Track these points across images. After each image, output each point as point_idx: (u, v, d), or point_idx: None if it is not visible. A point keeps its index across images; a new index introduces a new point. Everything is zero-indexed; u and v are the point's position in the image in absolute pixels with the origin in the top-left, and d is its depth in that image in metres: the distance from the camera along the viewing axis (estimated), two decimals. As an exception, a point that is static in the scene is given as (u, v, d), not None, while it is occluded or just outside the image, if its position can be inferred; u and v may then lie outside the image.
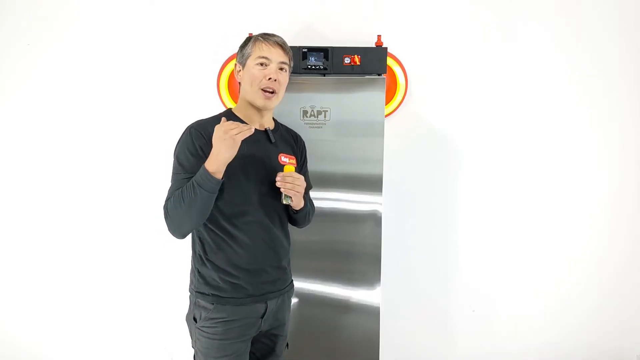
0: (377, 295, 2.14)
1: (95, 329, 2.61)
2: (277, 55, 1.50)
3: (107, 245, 2.56)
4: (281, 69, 1.52)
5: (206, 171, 1.32)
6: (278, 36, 1.55)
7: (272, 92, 1.50)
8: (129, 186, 2.52)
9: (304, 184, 1.51)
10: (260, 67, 1.50)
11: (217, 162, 1.33)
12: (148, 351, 2.62)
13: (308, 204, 1.64)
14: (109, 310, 2.60)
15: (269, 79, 1.48)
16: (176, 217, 1.38)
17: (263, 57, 1.49)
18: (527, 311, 2.61)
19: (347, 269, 2.14)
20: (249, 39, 1.56)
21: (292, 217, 1.63)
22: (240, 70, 1.56)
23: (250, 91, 1.51)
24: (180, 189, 1.37)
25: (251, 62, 1.51)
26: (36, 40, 2.47)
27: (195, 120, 1.53)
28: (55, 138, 2.51)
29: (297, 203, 1.53)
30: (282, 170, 1.53)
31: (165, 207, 1.40)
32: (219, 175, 1.34)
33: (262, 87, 1.49)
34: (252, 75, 1.50)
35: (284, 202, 1.50)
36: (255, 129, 1.55)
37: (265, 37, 1.53)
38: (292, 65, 1.60)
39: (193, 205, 1.34)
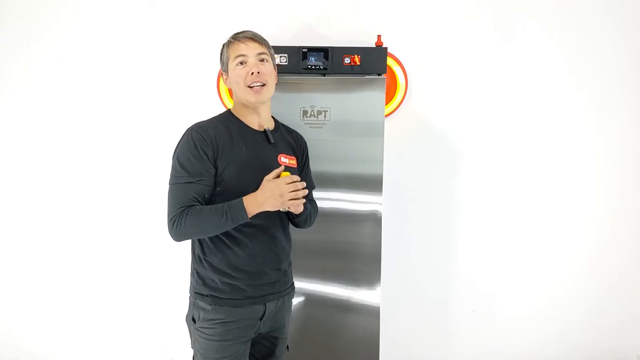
0: (377, 295, 2.14)
1: (96, 329, 2.61)
2: (252, 49, 1.50)
3: (107, 246, 2.56)
4: (262, 60, 1.51)
5: (244, 210, 1.38)
6: (248, 30, 1.55)
7: (260, 85, 1.50)
8: (128, 187, 2.52)
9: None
10: (241, 66, 1.50)
11: (257, 209, 1.39)
12: (148, 352, 2.62)
13: (308, 207, 1.61)
14: (109, 311, 2.60)
15: (252, 73, 1.48)
16: (190, 230, 1.40)
17: (240, 56, 1.50)
18: (527, 311, 2.61)
19: (347, 269, 2.14)
20: (223, 46, 1.57)
21: (293, 220, 1.63)
22: (227, 78, 1.57)
23: (239, 92, 1.52)
24: (204, 207, 1.39)
25: (232, 65, 1.51)
26: (36, 40, 2.47)
27: (195, 122, 1.52)
28: (55, 138, 2.51)
29: (296, 209, 1.49)
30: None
31: (179, 219, 1.38)
32: (250, 216, 1.40)
33: (248, 84, 1.49)
34: (236, 76, 1.50)
35: (282, 209, 1.47)
36: (254, 130, 1.56)
37: (236, 36, 1.53)
38: (272, 53, 1.59)
39: (214, 229, 1.41)
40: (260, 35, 1.55)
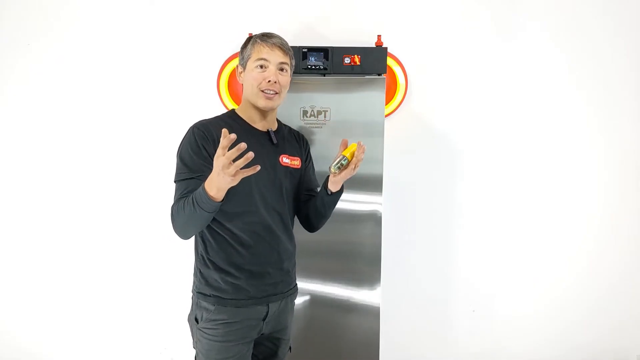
0: (377, 295, 2.14)
1: (96, 329, 2.61)
2: (276, 57, 1.49)
3: (107, 246, 2.56)
4: (281, 69, 1.51)
5: (206, 194, 1.25)
6: (277, 37, 1.53)
7: (273, 93, 1.49)
8: (128, 186, 2.52)
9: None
10: (260, 70, 1.49)
11: (218, 189, 1.24)
12: (148, 351, 2.62)
13: (340, 195, 1.61)
14: (109, 311, 2.60)
15: (269, 81, 1.47)
16: (179, 223, 1.38)
17: (262, 59, 1.48)
18: (527, 310, 2.61)
19: (347, 269, 2.14)
20: (249, 40, 1.55)
21: (317, 210, 1.60)
22: (241, 72, 1.56)
23: (251, 93, 1.51)
24: (184, 199, 1.35)
25: (251, 64, 1.50)
26: (36, 40, 2.47)
27: (198, 120, 1.52)
28: (55, 138, 2.51)
29: (343, 177, 1.49)
30: (284, 172, 1.53)
31: (171, 212, 1.39)
32: (219, 199, 1.27)
33: (262, 89, 1.48)
34: (252, 77, 1.50)
35: (333, 169, 1.47)
36: (257, 130, 1.55)
37: (264, 38, 1.51)
38: (293, 64, 1.58)
39: (193, 219, 1.34)
40: (287, 45, 1.53)
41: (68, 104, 2.50)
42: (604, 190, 2.55)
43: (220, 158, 1.17)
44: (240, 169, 1.19)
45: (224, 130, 1.19)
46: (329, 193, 1.56)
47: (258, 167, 1.22)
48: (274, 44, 1.49)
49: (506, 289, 2.60)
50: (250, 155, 1.17)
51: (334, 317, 2.16)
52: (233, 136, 1.17)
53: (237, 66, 1.59)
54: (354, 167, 1.48)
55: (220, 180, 1.21)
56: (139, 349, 2.62)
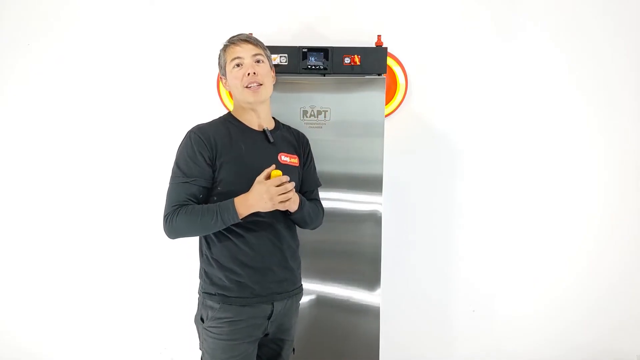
0: (377, 295, 2.14)
1: (96, 329, 2.61)
2: (247, 51, 1.52)
3: (107, 247, 2.56)
4: (257, 61, 1.53)
5: (235, 212, 1.38)
6: (242, 33, 1.57)
7: (257, 85, 1.51)
8: (127, 187, 2.52)
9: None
10: (238, 68, 1.52)
11: (248, 210, 1.40)
12: (148, 351, 2.62)
13: (306, 206, 1.57)
14: (110, 311, 2.60)
15: (248, 74, 1.50)
16: (181, 228, 1.43)
17: (236, 58, 1.52)
18: (527, 311, 2.61)
19: (347, 269, 2.14)
20: (220, 51, 1.58)
21: (291, 219, 1.59)
22: (226, 81, 1.59)
23: (238, 93, 1.54)
24: (196, 207, 1.41)
25: (229, 68, 1.54)
26: (36, 40, 2.47)
27: (195, 125, 1.53)
28: (55, 139, 2.51)
29: (288, 208, 1.46)
30: (284, 170, 1.53)
31: (172, 216, 1.42)
32: (241, 217, 1.40)
33: (245, 85, 1.51)
34: (233, 78, 1.53)
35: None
36: (253, 130, 1.56)
37: (231, 39, 1.56)
38: (268, 54, 1.60)
39: (205, 228, 1.43)
40: (254, 37, 1.57)
41: (68, 105, 2.50)
42: (604, 190, 2.55)
43: (273, 188, 1.36)
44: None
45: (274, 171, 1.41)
46: (289, 214, 1.54)
47: (293, 184, 1.42)
48: (240, 39, 1.54)
49: (506, 289, 2.60)
50: (291, 185, 1.40)
51: (334, 317, 2.16)
52: (285, 178, 1.40)
53: (220, 78, 1.62)
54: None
55: (263, 206, 1.39)
56: (139, 349, 2.62)
